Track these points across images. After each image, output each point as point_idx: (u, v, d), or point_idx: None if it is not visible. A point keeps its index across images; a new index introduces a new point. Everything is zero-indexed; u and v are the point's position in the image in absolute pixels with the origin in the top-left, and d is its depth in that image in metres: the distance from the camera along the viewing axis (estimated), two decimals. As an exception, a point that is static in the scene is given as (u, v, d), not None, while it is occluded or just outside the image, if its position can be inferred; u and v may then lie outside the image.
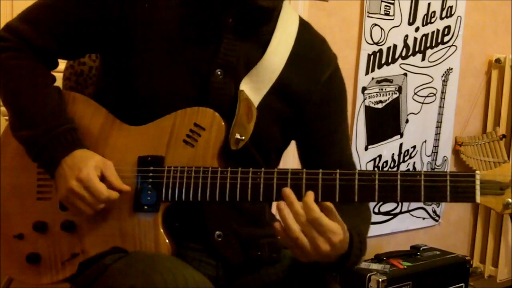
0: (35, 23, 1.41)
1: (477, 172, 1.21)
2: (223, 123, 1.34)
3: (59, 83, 1.61)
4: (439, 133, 3.30)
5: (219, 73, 1.37)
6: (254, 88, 1.39)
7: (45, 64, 1.44)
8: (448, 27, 3.21)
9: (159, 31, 1.37)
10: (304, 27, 1.49)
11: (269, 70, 1.40)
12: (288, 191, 1.24)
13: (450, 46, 3.24)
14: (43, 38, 1.40)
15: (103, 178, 1.32)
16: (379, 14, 2.95)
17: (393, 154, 3.16)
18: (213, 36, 1.38)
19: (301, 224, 1.21)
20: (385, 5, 2.96)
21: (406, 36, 3.07)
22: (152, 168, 1.34)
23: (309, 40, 1.48)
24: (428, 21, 3.13)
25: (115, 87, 1.42)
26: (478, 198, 1.21)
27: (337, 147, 1.52)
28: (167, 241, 1.33)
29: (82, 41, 1.42)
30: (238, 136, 1.36)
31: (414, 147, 3.23)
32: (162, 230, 1.33)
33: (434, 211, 3.37)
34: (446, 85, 3.28)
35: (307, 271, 1.40)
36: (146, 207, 1.34)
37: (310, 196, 1.23)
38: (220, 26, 1.37)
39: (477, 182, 1.21)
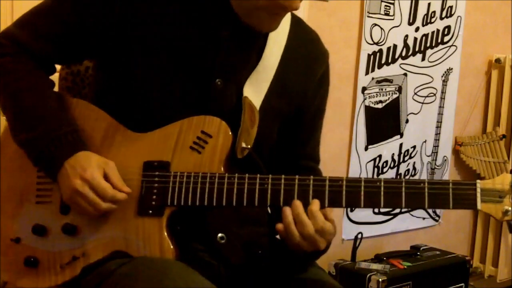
0: (33, 29, 1.41)
1: (478, 181, 1.27)
2: (230, 132, 1.35)
3: (55, 83, 1.61)
4: (439, 133, 3.30)
5: (219, 83, 1.38)
6: (255, 91, 1.40)
7: (43, 69, 1.44)
8: (448, 27, 3.21)
9: (158, 39, 1.36)
10: (297, 23, 1.50)
11: (266, 70, 1.41)
12: (297, 202, 1.29)
13: (450, 46, 3.24)
14: (41, 44, 1.40)
15: (106, 178, 1.32)
16: (379, 14, 2.95)
17: (393, 154, 3.16)
18: (211, 46, 1.38)
19: (307, 233, 1.29)
20: (385, 5, 2.96)
21: (406, 36, 3.07)
22: (157, 172, 1.34)
23: (302, 36, 1.49)
24: (428, 21, 3.12)
25: (115, 91, 1.41)
26: (479, 206, 1.26)
27: (313, 141, 1.56)
28: (171, 246, 1.32)
29: (80, 47, 1.42)
30: (244, 144, 1.37)
31: (414, 147, 3.23)
32: (166, 235, 1.33)
33: (434, 211, 3.37)
34: (446, 85, 3.27)
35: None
36: (151, 211, 1.33)
37: (315, 205, 1.29)
38: (218, 37, 1.37)
39: (478, 190, 1.26)
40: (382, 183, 1.28)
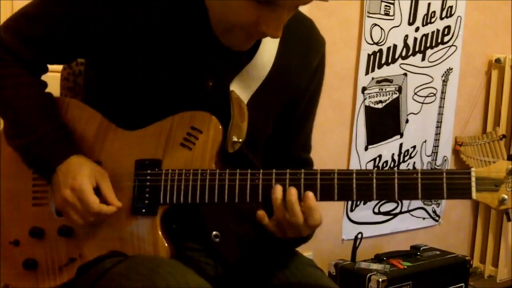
0: (20, 32, 1.39)
1: (473, 169, 1.23)
2: (220, 126, 1.34)
3: (56, 83, 1.61)
4: (439, 133, 3.30)
5: (210, 83, 1.37)
6: (243, 87, 1.38)
7: (35, 71, 1.43)
8: (448, 27, 3.21)
9: (149, 40, 1.35)
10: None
11: (260, 66, 1.39)
12: (293, 190, 1.27)
13: (450, 46, 3.24)
14: (27, 48, 1.39)
15: (98, 189, 1.32)
16: (379, 14, 2.95)
17: (393, 154, 3.16)
18: (201, 48, 1.36)
19: (297, 222, 1.27)
20: (385, 5, 2.96)
21: (406, 36, 3.07)
22: (149, 171, 1.34)
23: (297, 27, 1.44)
24: (428, 21, 3.12)
25: (106, 90, 1.40)
26: (474, 195, 1.23)
27: (305, 131, 1.55)
28: (166, 244, 1.32)
29: (69, 49, 1.40)
30: (235, 138, 1.36)
31: (414, 147, 3.23)
32: (160, 233, 1.33)
33: (434, 211, 3.37)
34: (446, 85, 3.27)
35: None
36: (144, 210, 1.33)
37: (313, 200, 1.26)
38: (206, 41, 1.36)
39: (473, 179, 1.23)
40: (374, 175, 1.25)
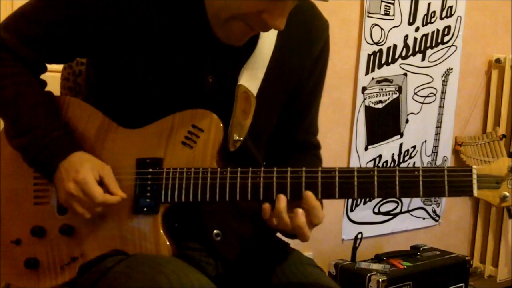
0: (21, 34, 1.38)
1: (474, 166, 1.23)
2: (221, 125, 1.34)
3: (56, 83, 1.60)
4: (439, 133, 3.31)
5: (210, 80, 1.37)
6: (251, 78, 1.37)
7: (34, 70, 1.43)
8: (448, 27, 3.21)
9: (149, 38, 1.35)
10: None
11: (261, 55, 1.39)
12: (282, 198, 1.27)
13: (450, 46, 3.24)
14: (29, 50, 1.39)
15: (101, 182, 1.32)
16: (379, 14, 2.95)
17: (393, 154, 3.16)
18: (199, 46, 1.36)
19: (301, 222, 1.26)
20: (385, 5, 2.96)
21: (406, 36, 3.07)
22: (151, 170, 1.34)
23: (297, 12, 1.38)
24: (428, 21, 3.13)
25: (108, 88, 1.40)
26: (475, 192, 1.23)
27: (310, 115, 1.54)
28: (167, 242, 1.32)
29: (69, 48, 1.40)
30: (236, 137, 1.36)
31: (414, 147, 3.23)
32: (162, 232, 1.33)
33: (434, 211, 3.37)
34: (446, 85, 3.28)
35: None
36: (145, 209, 1.33)
37: (314, 200, 1.26)
38: (205, 39, 1.35)
39: (474, 176, 1.23)
40: (376, 173, 1.25)
